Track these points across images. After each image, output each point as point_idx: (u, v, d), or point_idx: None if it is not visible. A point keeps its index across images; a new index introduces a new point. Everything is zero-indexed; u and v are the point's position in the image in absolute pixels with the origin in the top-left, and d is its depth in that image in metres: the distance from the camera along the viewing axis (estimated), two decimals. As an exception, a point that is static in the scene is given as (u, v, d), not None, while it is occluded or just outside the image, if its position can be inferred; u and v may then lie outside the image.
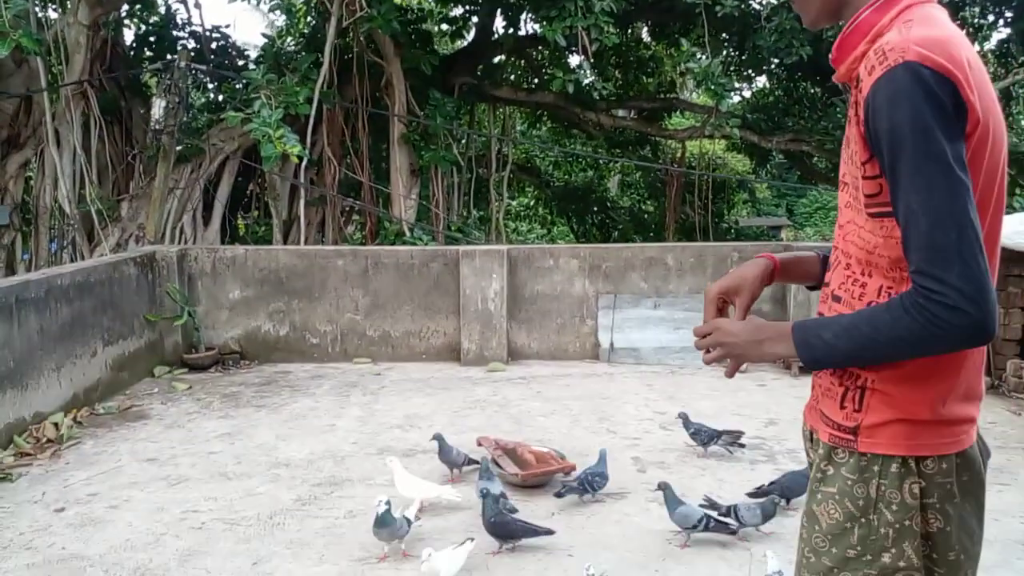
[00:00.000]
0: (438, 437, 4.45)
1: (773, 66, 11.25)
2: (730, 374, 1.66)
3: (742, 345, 1.54)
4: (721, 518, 3.59)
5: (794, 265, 1.75)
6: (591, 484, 4.06)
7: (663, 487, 3.71)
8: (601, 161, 16.06)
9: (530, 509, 3.95)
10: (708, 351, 1.61)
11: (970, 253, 1.28)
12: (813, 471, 1.53)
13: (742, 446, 4.75)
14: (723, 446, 4.73)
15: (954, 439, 1.43)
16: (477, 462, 4.24)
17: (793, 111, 12.24)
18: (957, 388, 1.43)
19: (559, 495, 4.07)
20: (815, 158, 13.20)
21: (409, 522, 3.54)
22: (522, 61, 13.51)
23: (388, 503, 3.45)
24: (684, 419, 4.79)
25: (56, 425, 5.19)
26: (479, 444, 4.74)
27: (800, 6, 1.57)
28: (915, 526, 1.41)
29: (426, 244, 8.97)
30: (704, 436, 4.69)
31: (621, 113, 13.50)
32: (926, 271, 1.29)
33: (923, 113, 1.27)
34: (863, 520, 1.43)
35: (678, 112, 14.75)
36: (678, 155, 15.23)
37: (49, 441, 5.02)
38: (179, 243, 9.48)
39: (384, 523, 3.44)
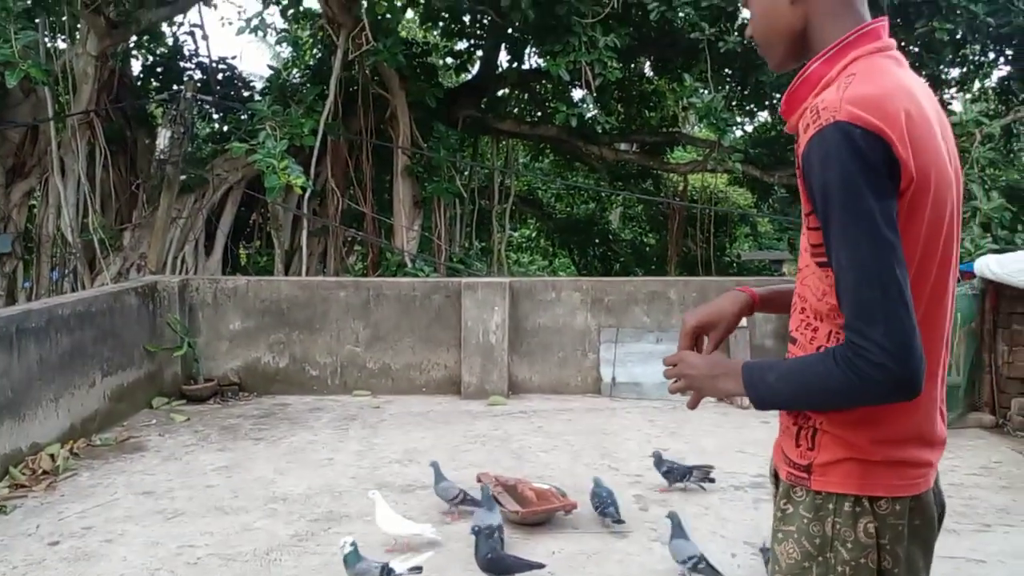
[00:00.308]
0: (434, 465, 4.42)
1: (775, 101, 11.32)
2: (691, 405, 1.69)
3: (700, 379, 1.60)
4: (713, 565, 3.49)
5: (774, 297, 1.79)
6: (605, 512, 4.16)
7: (671, 516, 3.71)
8: (603, 194, 16.11)
9: (531, 547, 3.90)
10: (676, 381, 1.65)
11: (893, 311, 1.31)
12: (774, 510, 1.56)
13: (712, 480, 4.68)
14: (695, 483, 4.66)
15: (908, 482, 1.45)
16: (475, 501, 4.15)
17: (795, 146, 12.30)
18: (908, 432, 1.44)
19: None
20: (817, 193, 13.15)
21: (391, 571, 3.38)
22: (525, 94, 13.62)
23: (354, 543, 3.42)
24: (656, 457, 4.71)
25: (52, 456, 5.14)
26: (479, 480, 4.68)
27: (765, 51, 1.60)
28: (870, 563, 1.43)
29: (428, 275, 8.97)
30: (676, 474, 4.61)
31: (623, 146, 13.57)
32: (853, 326, 1.33)
33: (851, 172, 1.31)
34: (820, 559, 1.45)
35: (680, 146, 14.84)
36: (680, 188, 15.27)
37: (45, 473, 4.97)
38: (181, 273, 9.48)
39: (349, 563, 3.39)
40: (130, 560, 3.83)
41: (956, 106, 9.95)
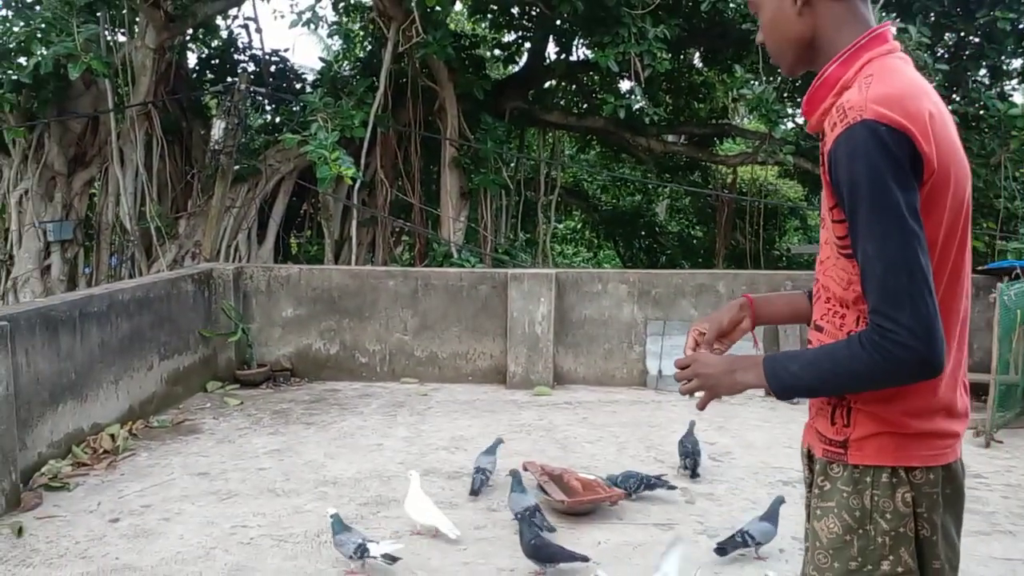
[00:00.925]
0: (513, 475, 4.15)
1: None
2: (701, 406, 1.76)
3: (716, 376, 1.67)
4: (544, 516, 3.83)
5: (776, 303, 1.90)
6: (648, 484, 4.38)
7: (512, 473, 4.11)
8: (650, 186, 16.00)
9: (576, 537, 3.92)
10: (687, 382, 1.72)
11: (919, 295, 1.40)
12: (812, 488, 1.63)
13: (672, 488, 4.45)
14: (654, 488, 4.42)
15: (940, 452, 1.54)
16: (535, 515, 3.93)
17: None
18: (935, 405, 1.53)
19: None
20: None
21: (365, 550, 3.46)
22: (573, 86, 13.58)
23: (335, 514, 3.58)
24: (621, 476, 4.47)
25: (112, 437, 5.32)
26: (525, 469, 4.72)
27: (776, 58, 1.67)
28: (909, 532, 1.52)
29: (473, 266, 9.02)
30: (633, 483, 4.38)
31: (672, 138, 13.46)
32: (880, 310, 1.42)
33: (879, 168, 1.39)
34: (860, 531, 1.53)
35: (730, 138, 14.64)
36: (729, 181, 15.09)
37: (105, 452, 5.15)
38: (234, 260, 9.69)
39: (333, 531, 3.55)
40: (186, 538, 3.95)
41: (1017, 97, 9.67)
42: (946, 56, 9.35)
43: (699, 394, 1.73)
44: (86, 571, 3.59)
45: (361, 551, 3.47)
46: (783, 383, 1.57)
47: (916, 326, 1.39)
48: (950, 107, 7.66)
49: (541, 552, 3.51)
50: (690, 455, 4.74)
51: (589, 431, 5.81)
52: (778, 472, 4.94)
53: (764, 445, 5.44)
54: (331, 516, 3.60)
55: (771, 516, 3.79)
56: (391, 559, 3.53)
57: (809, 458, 1.68)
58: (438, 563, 3.69)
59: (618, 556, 3.79)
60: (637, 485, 4.38)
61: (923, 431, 1.52)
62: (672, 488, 4.49)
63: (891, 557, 1.52)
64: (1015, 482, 4.79)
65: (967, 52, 9.46)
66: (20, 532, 3.97)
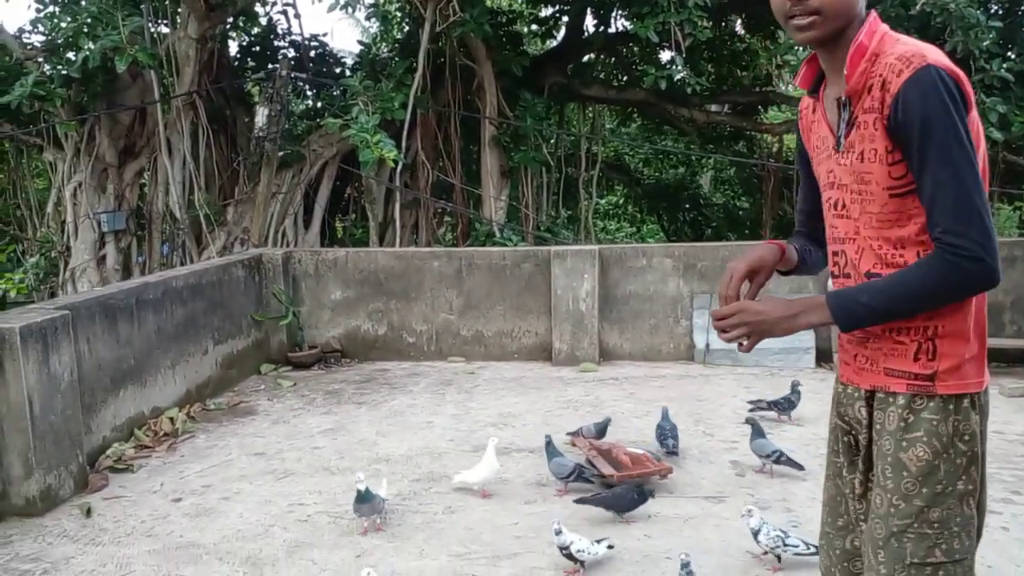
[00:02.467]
0: (548, 440, 4.37)
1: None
2: (747, 349, 1.84)
3: (772, 321, 1.76)
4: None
5: (791, 253, 2.02)
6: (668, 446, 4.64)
7: (750, 421, 4.56)
8: (693, 157, 15.77)
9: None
10: (730, 331, 1.80)
11: (986, 214, 1.60)
12: (893, 422, 1.72)
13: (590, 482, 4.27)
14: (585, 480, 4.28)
15: (988, 373, 1.75)
16: (589, 479, 4.21)
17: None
18: (986, 328, 1.74)
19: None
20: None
21: (384, 500, 3.86)
22: (612, 59, 13.40)
23: (363, 479, 3.77)
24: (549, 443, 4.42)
25: (172, 420, 5.49)
26: (573, 444, 4.76)
27: (825, 23, 1.71)
28: (979, 450, 1.70)
29: (516, 245, 9.03)
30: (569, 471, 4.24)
31: (715, 108, 13.21)
32: (953, 230, 1.59)
33: (947, 104, 1.58)
34: (945, 455, 1.67)
35: (775, 105, 14.34)
36: (775, 150, 14.80)
37: (165, 435, 5.32)
38: (281, 245, 9.84)
39: (364, 499, 3.74)
40: (246, 516, 4.07)
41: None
42: (1000, 12, 9.01)
43: (742, 340, 1.81)
44: (152, 548, 3.73)
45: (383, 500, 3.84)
46: (853, 315, 1.70)
47: (985, 241, 1.57)
48: (1004, 64, 7.41)
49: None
50: (669, 436, 4.71)
51: (636, 406, 5.81)
52: (824, 443, 4.88)
53: (815, 416, 5.37)
54: (362, 482, 3.79)
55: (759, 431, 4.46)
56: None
57: (868, 399, 1.79)
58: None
59: (669, 529, 3.80)
60: (569, 473, 4.22)
61: (984, 354, 1.72)
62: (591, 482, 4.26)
63: (964, 476, 1.69)
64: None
65: (1021, 8, 9.10)
66: (89, 512, 4.13)
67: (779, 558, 3.39)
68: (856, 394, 1.82)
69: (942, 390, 1.68)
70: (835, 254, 1.85)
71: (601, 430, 4.85)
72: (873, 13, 1.74)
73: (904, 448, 1.69)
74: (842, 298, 1.72)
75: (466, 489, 4.30)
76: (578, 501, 3.94)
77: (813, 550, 3.29)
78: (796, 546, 3.34)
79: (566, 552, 3.33)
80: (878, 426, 1.75)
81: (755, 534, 3.38)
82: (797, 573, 3.35)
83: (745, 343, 1.81)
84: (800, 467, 4.33)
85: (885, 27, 1.73)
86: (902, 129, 1.62)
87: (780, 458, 4.35)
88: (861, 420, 1.81)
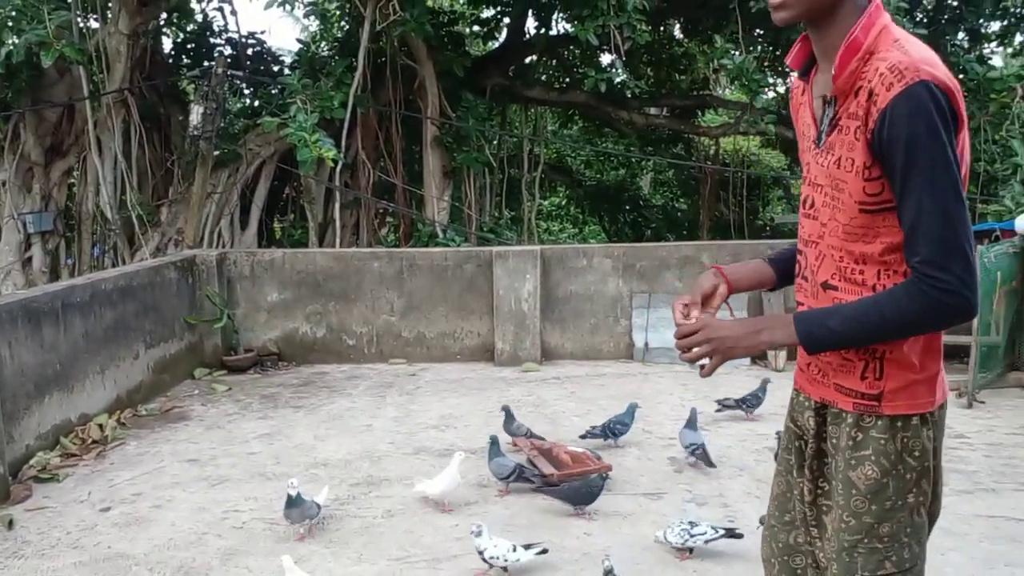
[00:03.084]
0: (492, 440, 4.34)
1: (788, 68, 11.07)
2: (707, 373, 1.76)
3: (734, 338, 1.70)
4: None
5: (742, 270, 1.94)
6: (613, 431, 4.81)
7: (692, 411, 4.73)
8: (633, 159, 15.98)
9: (566, 508, 3.95)
10: (689, 351, 1.75)
11: (968, 247, 1.53)
12: (842, 439, 1.71)
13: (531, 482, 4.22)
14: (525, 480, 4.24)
15: (945, 389, 1.73)
16: (529, 479, 4.20)
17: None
18: (940, 347, 1.71)
19: (583, 437, 4.82)
20: (852, 153, 12.90)
21: (319, 506, 3.80)
22: (554, 61, 13.49)
23: (296, 484, 3.72)
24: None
25: (101, 426, 5.31)
26: (514, 445, 4.77)
27: (794, 3, 1.62)
28: (930, 465, 1.68)
29: (459, 245, 9.00)
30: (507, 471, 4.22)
31: (654, 111, 13.41)
32: (935, 262, 1.52)
33: (936, 126, 1.49)
34: (895, 472, 1.66)
35: (712, 109, 14.62)
36: (712, 152, 15.10)
37: (94, 442, 5.14)
38: (217, 247, 9.63)
39: (294, 504, 3.68)
40: (179, 525, 3.96)
41: (996, 60, 9.68)
42: (924, 20, 9.35)
43: (703, 361, 1.74)
44: (78, 560, 3.60)
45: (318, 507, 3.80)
46: (819, 339, 1.65)
47: (965, 275, 1.52)
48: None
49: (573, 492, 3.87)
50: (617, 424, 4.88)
51: (577, 405, 5.85)
52: (763, 439, 4.99)
53: (754, 412, 5.48)
54: (295, 487, 3.71)
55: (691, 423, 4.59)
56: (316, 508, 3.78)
57: (818, 411, 1.79)
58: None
59: (608, 526, 3.83)
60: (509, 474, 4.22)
61: (938, 371, 1.69)
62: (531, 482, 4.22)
63: (915, 490, 1.68)
64: (997, 441, 4.86)
65: (945, 16, 9.45)
66: (11, 525, 3.97)
67: (691, 550, 3.48)
68: (807, 403, 1.82)
69: (888, 411, 1.66)
70: (799, 253, 1.82)
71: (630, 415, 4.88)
72: (876, 2, 1.61)
73: (853, 467, 1.68)
74: (809, 321, 1.67)
75: (408, 493, 4.26)
76: (537, 490, 4.01)
77: (722, 532, 3.46)
78: (704, 533, 3.44)
79: (481, 555, 3.32)
80: (834, 440, 1.75)
81: (666, 536, 3.48)
82: (713, 559, 3.42)
83: (706, 365, 1.74)
84: (711, 464, 4.45)
85: (886, 20, 1.61)
86: (886, 148, 1.54)
87: (695, 451, 4.46)
88: (809, 429, 1.81)
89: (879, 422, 1.66)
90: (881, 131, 1.53)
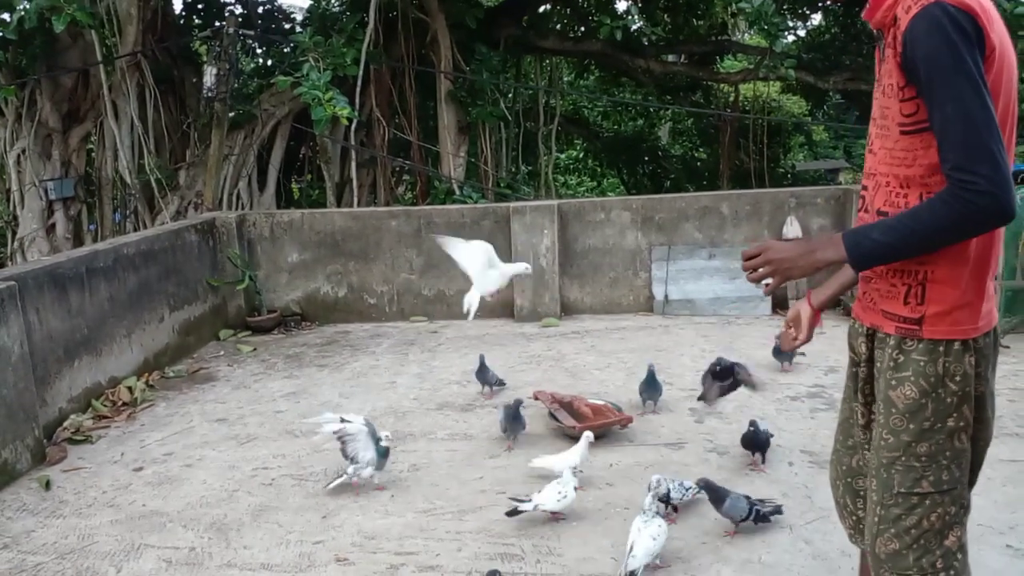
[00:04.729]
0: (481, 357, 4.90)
1: (828, 2, 10.81)
2: (769, 291, 1.98)
3: (791, 259, 1.81)
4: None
5: (828, 287, 2.09)
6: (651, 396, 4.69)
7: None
8: (651, 109, 15.75)
9: (588, 460, 4.00)
10: (753, 272, 1.88)
11: (997, 148, 1.57)
12: (885, 361, 1.81)
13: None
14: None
15: (992, 316, 1.78)
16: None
17: (850, 49, 11.77)
18: (992, 271, 1.75)
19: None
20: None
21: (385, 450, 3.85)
22: (568, 9, 13.24)
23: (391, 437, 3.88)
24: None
25: (130, 389, 5.41)
26: (536, 398, 4.80)
27: None
28: (971, 391, 1.75)
29: (476, 202, 8.98)
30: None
31: (671, 58, 13.17)
32: (962, 165, 1.58)
33: (953, 39, 1.57)
34: (933, 394, 1.74)
35: (730, 55, 14.35)
36: (731, 100, 14.84)
37: (124, 404, 5.24)
38: (236, 209, 9.67)
39: (384, 455, 3.86)
40: (210, 483, 4.06)
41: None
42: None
43: (766, 281, 1.88)
44: (115, 519, 3.70)
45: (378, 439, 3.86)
46: (865, 251, 1.72)
47: (995, 175, 1.56)
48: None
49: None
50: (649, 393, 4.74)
51: (597, 358, 5.87)
52: (786, 388, 5.01)
53: (772, 362, 5.48)
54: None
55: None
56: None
57: (869, 336, 1.89)
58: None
59: (630, 476, 3.87)
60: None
61: (984, 299, 1.74)
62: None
63: (955, 414, 1.75)
64: (1021, 386, 4.84)
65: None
66: (48, 485, 4.08)
67: (676, 508, 3.41)
68: (860, 329, 1.93)
69: (928, 335, 1.74)
70: (863, 189, 1.89)
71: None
72: None
73: (893, 387, 1.78)
74: (857, 234, 1.74)
75: (432, 448, 4.33)
76: None
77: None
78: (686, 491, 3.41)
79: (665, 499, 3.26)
80: (879, 363, 1.85)
81: (666, 500, 3.31)
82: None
83: (769, 283, 1.87)
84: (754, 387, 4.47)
85: None
86: (911, 66, 1.64)
87: (739, 372, 4.23)
88: (861, 354, 1.92)
89: (919, 345, 1.74)
90: (906, 52, 1.63)
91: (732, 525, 3.27)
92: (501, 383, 5.22)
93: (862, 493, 2.01)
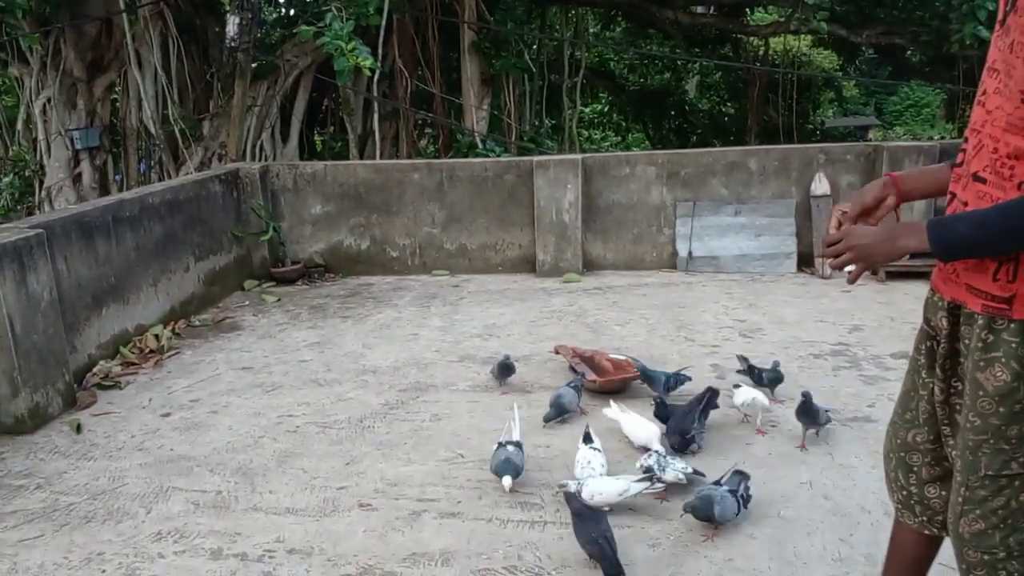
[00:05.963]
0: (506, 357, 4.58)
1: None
2: (853, 279, 1.82)
3: (873, 245, 1.73)
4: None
5: (920, 179, 1.90)
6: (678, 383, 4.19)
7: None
8: (679, 62, 15.47)
9: (585, 418, 4.02)
10: (836, 257, 1.78)
11: None
12: (973, 341, 1.67)
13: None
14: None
15: None
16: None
17: (885, 1, 11.45)
18: None
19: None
20: (909, 52, 12.37)
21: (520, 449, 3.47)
22: (595, -42, 12.99)
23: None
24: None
25: (157, 336, 5.50)
26: (557, 352, 4.82)
27: None
28: None
29: (499, 156, 8.91)
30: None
31: (700, 9, 12.89)
32: None
33: None
34: None
35: (761, 6, 14.00)
36: (761, 53, 14.54)
37: (151, 351, 5.33)
38: (259, 160, 9.68)
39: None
40: (235, 429, 4.13)
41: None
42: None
43: (849, 268, 1.78)
44: (144, 462, 3.79)
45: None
46: (950, 244, 1.62)
47: None
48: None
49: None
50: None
51: (619, 314, 5.86)
52: (809, 346, 4.98)
53: (795, 320, 5.45)
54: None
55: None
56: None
57: (951, 311, 1.75)
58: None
59: (650, 431, 3.89)
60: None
61: None
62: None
63: None
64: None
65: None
66: (79, 429, 4.18)
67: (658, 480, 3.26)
68: (940, 303, 1.79)
69: (1019, 315, 1.60)
70: (964, 140, 1.73)
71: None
72: None
73: (982, 368, 1.66)
74: (942, 225, 1.63)
75: (453, 399, 4.37)
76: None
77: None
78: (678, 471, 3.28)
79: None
80: (966, 341, 1.73)
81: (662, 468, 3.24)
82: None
83: (853, 270, 1.78)
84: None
85: None
86: None
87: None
88: (941, 330, 1.80)
89: (1011, 325, 1.61)
90: None
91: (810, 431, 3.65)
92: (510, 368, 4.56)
93: (915, 468, 1.95)
